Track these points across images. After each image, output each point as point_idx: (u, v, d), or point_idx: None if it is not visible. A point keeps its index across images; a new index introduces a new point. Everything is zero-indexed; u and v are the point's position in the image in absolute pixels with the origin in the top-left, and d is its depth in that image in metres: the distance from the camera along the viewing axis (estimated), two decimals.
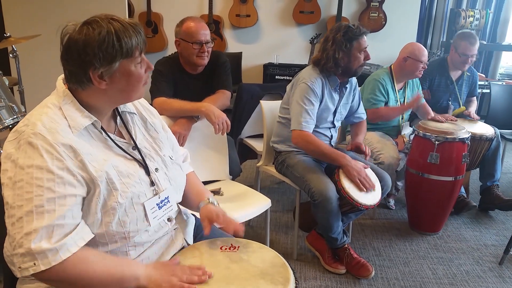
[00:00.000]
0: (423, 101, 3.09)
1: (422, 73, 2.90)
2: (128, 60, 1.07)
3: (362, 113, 2.59)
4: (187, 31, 2.28)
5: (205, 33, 2.29)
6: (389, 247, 2.63)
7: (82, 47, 1.02)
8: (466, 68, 3.20)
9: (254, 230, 2.78)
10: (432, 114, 3.01)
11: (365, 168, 2.19)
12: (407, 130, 3.23)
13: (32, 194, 0.97)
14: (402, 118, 3.03)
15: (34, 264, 0.95)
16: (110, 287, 1.07)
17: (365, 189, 2.12)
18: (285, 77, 4.91)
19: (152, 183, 1.20)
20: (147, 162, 1.21)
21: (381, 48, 4.84)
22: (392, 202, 3.18)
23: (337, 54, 2.21)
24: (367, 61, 2.32)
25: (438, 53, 4.73)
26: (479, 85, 3.53)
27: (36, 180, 0.97)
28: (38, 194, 0.97)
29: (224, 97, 2.35)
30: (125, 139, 1.21)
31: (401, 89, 3.01)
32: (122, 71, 1.07)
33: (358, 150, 2.37)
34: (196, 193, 1.41)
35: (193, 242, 1.35)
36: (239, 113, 2.99)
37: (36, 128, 1.01)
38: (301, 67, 3.95)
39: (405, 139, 2.98)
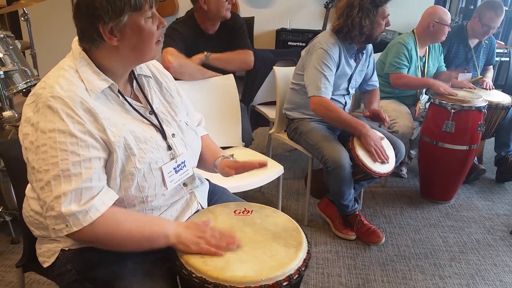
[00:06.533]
0: (444, 68, 3.04)
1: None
2: (137, 13, 1.05)
3: (375, 81, 2.54)
4: None
5: None
6: (400, 214, 2.64)
7: (91, 1, 1.01)
8: (485, 38, 3.11)
9: (265, 196, 2.80)
10: (450, 83, 2.95)
11: (381, 139, 2.17)
12: (423, 98, 3.18)
13: (57, 158, 0.97)
14: None
15: (67, 225, 0.97)
16: (140, 245, 1.08)
17: (379, 160, 2.11)
18: (298, 43, 4.80)
19: (169, 147, 1.20)
20: (164, 127, 1.20)
21: (398, 13, 4.67)
22: (404, 170, 3.17)
23: (364, 22, 2.14)
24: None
25: (457, 20, 4.57)
26: (497, 53, 3.41)
27: (59, 144, 0.97)
28: (64, 158, 0.97)
29: (246, 54, 2.42)
30: (141, 103, 1.21)
31: (423, 56, 2.93)
32: (132, 25, 1.05)
33: (376, 117, 2.33)
34: (211, 152, 1.42)
35: (207, 206, 1.36)
36: (251, 79, 2.95)
37: (54, 91, 1.00)
38: (315, 32, 3.86)
39: (420, 106, 2.93)
